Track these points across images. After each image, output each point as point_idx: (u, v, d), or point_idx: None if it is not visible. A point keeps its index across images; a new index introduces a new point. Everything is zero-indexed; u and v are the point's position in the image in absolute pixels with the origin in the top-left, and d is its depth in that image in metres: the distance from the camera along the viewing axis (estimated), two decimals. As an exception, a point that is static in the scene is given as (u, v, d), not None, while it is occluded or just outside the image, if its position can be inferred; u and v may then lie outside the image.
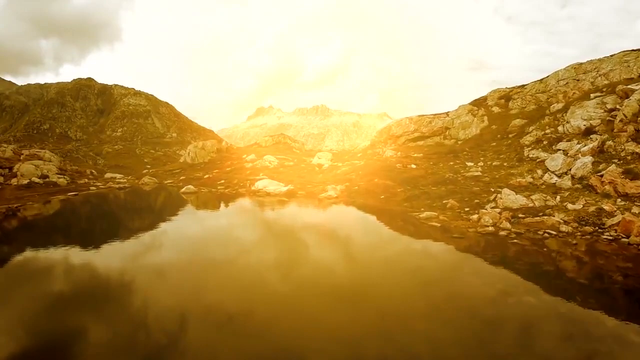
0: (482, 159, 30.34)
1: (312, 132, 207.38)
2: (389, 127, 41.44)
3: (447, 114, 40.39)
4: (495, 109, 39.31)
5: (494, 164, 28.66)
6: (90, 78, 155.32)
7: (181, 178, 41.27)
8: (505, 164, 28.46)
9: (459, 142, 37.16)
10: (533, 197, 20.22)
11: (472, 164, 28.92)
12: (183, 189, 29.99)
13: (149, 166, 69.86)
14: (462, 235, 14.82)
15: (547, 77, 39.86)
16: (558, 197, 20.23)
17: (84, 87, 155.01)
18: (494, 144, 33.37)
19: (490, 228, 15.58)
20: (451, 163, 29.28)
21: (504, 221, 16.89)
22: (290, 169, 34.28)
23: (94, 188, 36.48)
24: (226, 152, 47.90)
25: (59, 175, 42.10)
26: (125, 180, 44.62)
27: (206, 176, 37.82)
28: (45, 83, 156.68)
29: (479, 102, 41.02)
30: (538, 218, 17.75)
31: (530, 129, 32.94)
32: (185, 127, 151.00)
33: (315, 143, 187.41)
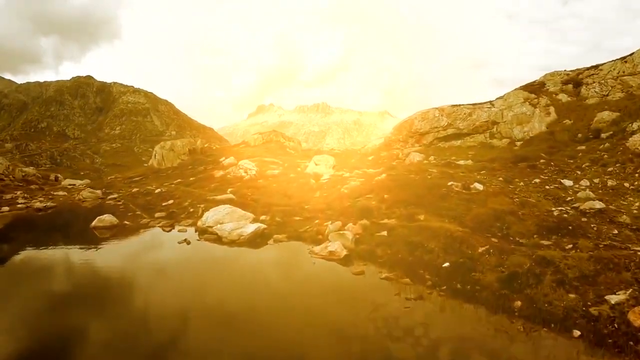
0: (578, 172, 17.10)
1: (313, 129, 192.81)
2: (410, 121, 28.12)
3: (491, 103, 27.08)
4: (563, 98, 25.94)
5: (608, 183, 15.53)
6: (89, 76, 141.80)
7: (133, 190, 28.13)
8: (626, 183, 15.31)
9: (517, 143, 23.83)
10: None
11: (570, 182, 15.65)
12: (94, 222, 16.86)
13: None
14: None
15: (632, 54, 26.50)
16: None
17: (83, 85, 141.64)
18: (583, 147, 20.09)
19: None
20: (536, 180, 15.99)
21: None
22: (273, 182, 21.10)
23: (6, 209, 23.67)
24: (201, 154, 34.72)
25: (-21, 186, 29.28)
26: (65, 193, 31.51)
27: (158, 190, 24.68)
28: (45, 81, 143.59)
29: (535, 88, 27.63)
30: None
31: (635, 126, 19.79)
32: (185, 125, 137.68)
33: (316, 141, 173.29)
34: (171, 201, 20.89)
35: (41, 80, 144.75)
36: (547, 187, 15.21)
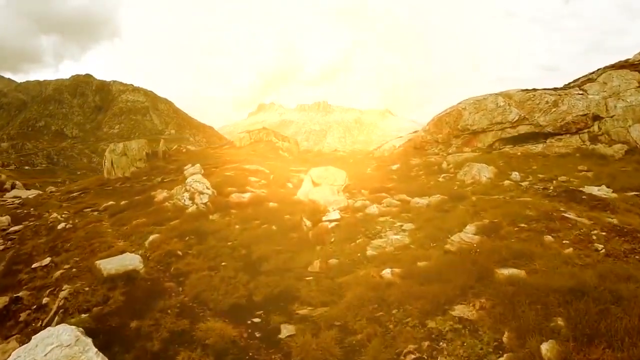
0: None
1: (314, 128, 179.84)
2: (455, 112, 17.43)
3: (581, 88, 16.50)
4: None
5: None
6: (88, 74, 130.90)
7: (51, 217, 17.66)
8: None
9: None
10: None
11: None
12: None
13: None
14: None
15: None
16: None
17: (82, 84, 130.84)
18: None
19: None
20: None
21: None
22: (235, 221, 10.56)
23: None
24: (163, 160, 24.31)
25: None
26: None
27: (62, 225, 14.10)
28: (45, 80, 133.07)
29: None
30: None
31: None
32: (184, 123, 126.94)
33: (316, 140, 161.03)
34: (47, 260, 10.40)
35: (41, 79, 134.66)
36: None
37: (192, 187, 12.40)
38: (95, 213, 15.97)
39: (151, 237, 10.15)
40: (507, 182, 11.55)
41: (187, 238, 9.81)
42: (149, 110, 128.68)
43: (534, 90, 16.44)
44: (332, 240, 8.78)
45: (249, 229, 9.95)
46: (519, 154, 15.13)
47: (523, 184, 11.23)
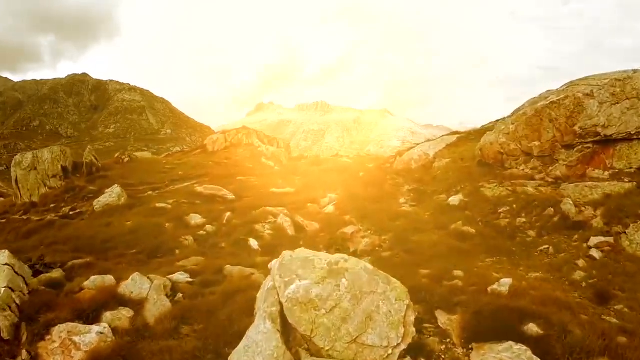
0: None
1: (313, 128, 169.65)
2: (572, 100, 8.54)
3: None
4: None
5: None
6: (85, 73, 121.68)
7: None
8: None
9: None
10: None
11: None
12: None
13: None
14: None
15: None
16: None
17: (78, 83, 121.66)
18: None
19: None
20: None
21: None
22: None
23: None
24: (85, 177, 15.56)
25: None
26: None
27: None
28: (42, 79, 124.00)
29: None
30: None
31: None
32: (181, 123, 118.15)
33: (315, 139, 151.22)
34: None
35: (38, 78, 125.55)
36: None
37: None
38: None
39: None
40: None
41: None
42: (145, 110, 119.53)
43: None
44: None
45: None
46: None
47: None
